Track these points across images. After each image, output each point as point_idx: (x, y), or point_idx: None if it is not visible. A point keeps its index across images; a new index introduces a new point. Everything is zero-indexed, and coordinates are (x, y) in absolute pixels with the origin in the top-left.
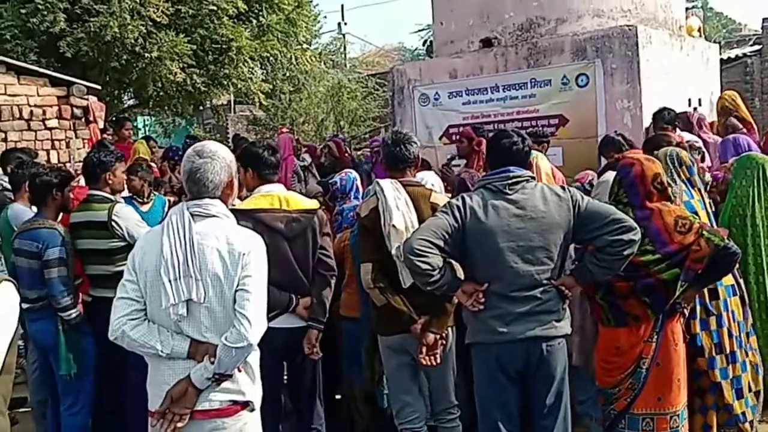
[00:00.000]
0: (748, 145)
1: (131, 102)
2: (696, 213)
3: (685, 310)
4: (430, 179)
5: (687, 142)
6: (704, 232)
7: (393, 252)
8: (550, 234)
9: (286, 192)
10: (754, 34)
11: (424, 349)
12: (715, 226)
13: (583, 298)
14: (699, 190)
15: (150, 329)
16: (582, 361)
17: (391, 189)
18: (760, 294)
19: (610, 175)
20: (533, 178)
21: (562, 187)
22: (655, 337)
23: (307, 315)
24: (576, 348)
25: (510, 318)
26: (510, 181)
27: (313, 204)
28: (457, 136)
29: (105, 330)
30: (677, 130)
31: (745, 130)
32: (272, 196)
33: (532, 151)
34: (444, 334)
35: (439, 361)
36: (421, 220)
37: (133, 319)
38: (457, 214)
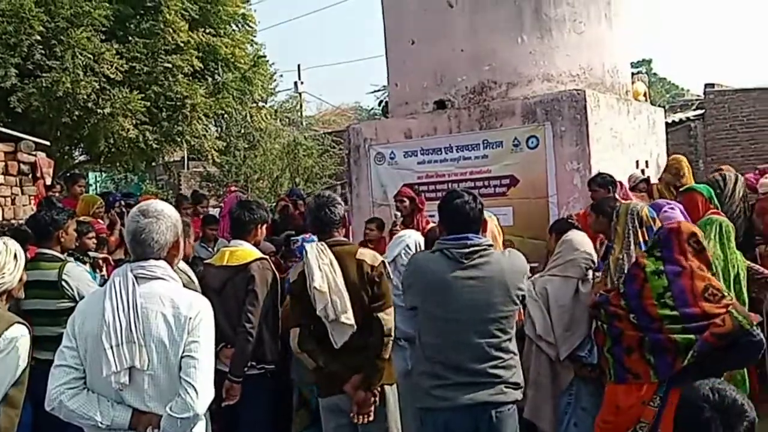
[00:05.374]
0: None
1: (82, 158)
2: None
3: None
4: (414, 237)
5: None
6: (733, 310)
7: (318, 313)
8: (504, 306)
9: (239, 247)
10: (697, 99)
11: (355, 408)
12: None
13: (538, 352)
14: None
15: (89, 399)
16: (533, 415)
17: (314, 252)
18: None
19: (574, 234)
20: (491, 245)
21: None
22: (658, 402)
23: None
24: (528, 402)
25: (458, 386)
26: (467, 250)
27: (250, 256)
28: (396, 197)
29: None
30: (612, 192)
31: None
32: (224, 251)
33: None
34: (376, 392)
35: (372, 418)
36: (346, 278)
37: (71, 388)
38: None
